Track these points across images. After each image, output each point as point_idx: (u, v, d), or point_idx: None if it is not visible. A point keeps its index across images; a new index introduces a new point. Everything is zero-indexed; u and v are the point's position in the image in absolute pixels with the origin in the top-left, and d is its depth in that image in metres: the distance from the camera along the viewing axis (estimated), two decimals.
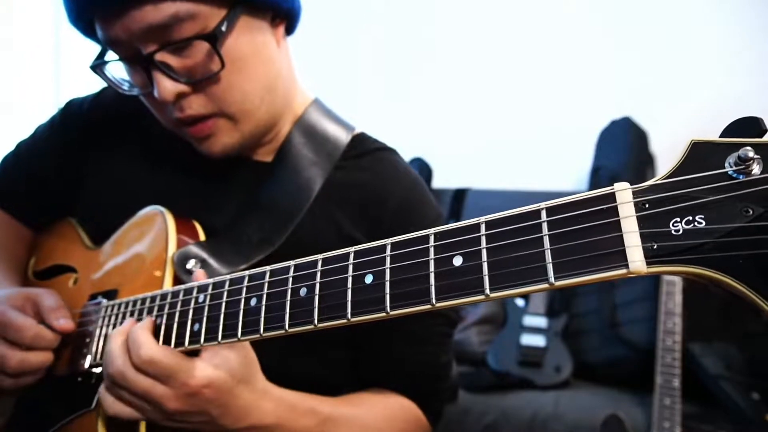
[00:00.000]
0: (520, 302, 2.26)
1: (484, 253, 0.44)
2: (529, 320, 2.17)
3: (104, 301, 0.82)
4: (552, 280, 0.40)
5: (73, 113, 1.00)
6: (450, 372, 0.91)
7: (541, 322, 2.16)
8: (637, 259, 0.38)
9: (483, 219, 0.45)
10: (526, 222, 0.43)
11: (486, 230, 0.45)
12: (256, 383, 0.69)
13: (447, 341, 0.90)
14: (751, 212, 0.35)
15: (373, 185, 0.86)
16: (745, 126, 0.38)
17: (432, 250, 0.47)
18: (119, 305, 0.77)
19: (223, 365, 0.65)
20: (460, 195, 2.73)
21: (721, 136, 0.39)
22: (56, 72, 2.87)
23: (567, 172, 2.60)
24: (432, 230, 0.48)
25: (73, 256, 0.97)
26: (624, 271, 0.38)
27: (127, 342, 0.66)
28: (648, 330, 1.93)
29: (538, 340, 2.10)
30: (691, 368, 1.80)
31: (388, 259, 0.50)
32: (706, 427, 1.67)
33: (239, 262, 0.80)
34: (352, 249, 0.53)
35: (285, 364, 0.76)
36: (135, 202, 0.88)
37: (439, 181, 2.88)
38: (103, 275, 0.89)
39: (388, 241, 0.50)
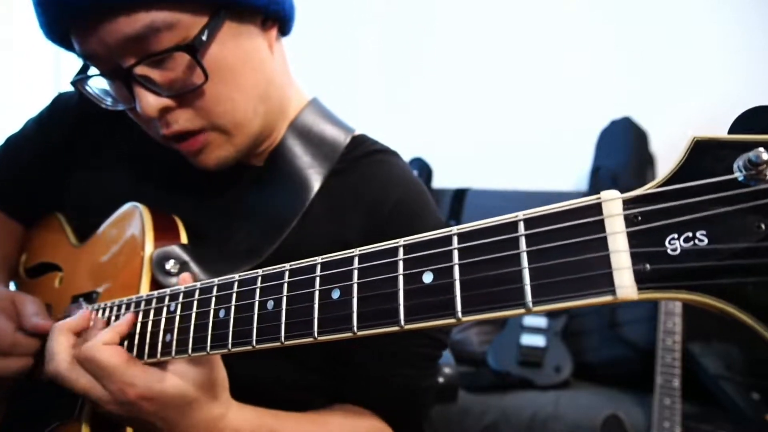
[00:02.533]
0: None
1: (456, 270, 0.40)
2: (529, 320, 2.17)
3: (84, 305, 0.80)
4: (529, 304, 0.35)
5: (62, 108, 0.98)
6: (431, 398, 0.86)
7: (541, 322, 2.16)
8: (626, 284, 0.32)
9: (455, 230, 0.41)
10: (501, 235, 0.38)
11: (458, 243, 0.40)
12: (215, 406, 0.64)
13: (430, 365, 0.84)
14: (763, 228, 0.29)
15: (370, 189, 0.82)
16: (759, 118, 0.32)
17: (401, 264, 0.43)
18: (97, 310, 0.75)
19: (177, 382, 0.61)
20: (460, 195, 2.73)
21: (729, 132, 0.32)
22: (56, 72, 2.87)
23: (567, 172, 2.60)
24: (401, 241, 0.44)
25: (59, 254, 0.95)
26: (610, 297, 0.33)
27: (69, 339, 0.66)
28: (648, 330, 1.94)
29: (538, 340, 2.11)
30: (691, 368, 1.80)
31: (355, 273, 0.45)
32: (706, 427, 1.67)
33: (225, 271, 0.75)
34: (319, 259, 0.49)
35: (258, 367, 0.73)
36: (120, 200, 0.85)
37: (439, 181, 2.88)
38: (85, 276, 0.87)
39: (357, 251, 0.46)
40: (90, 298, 0.82)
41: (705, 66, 2.36)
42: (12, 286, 1.04)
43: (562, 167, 2.61)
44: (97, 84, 0.78)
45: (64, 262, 0.94)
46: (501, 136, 2.76)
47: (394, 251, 0.44)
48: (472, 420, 1.89)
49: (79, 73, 0.77)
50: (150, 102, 0.69)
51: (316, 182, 0.81)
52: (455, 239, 0.41)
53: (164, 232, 0.79)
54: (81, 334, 0.69)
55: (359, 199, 0.81)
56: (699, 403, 1.79)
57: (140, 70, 0.69)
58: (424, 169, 2.88)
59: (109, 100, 0.78)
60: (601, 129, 2.49)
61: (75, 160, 0.96)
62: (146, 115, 0.70)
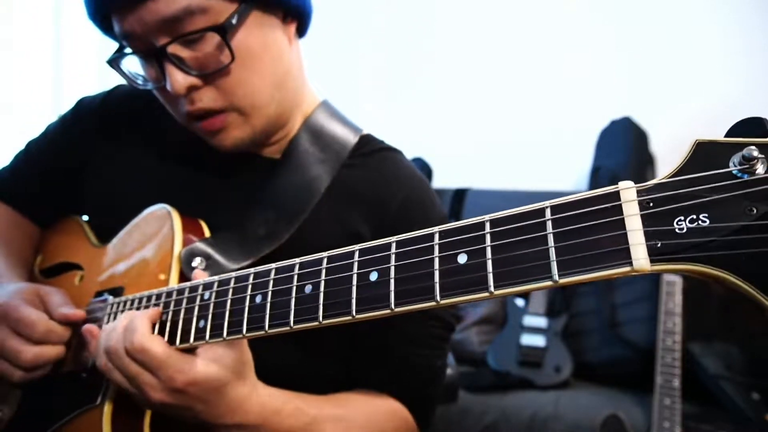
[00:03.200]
0: (520, 302, 2.26)
1: (488, 250, 0.45)
2: (529, 320, 2.17)
3: (110, 298, 0.83)
4: (556, 277, 0.41)
5: (84, 111, 1.01)
6: (443, 377, 0.91)
7: (541, 322, 2.16)
8: (641, 257, 0.38)
9: (488, 217, 0.46)
10: (530, 220, 0.44)
11: (490, 228, 0.45)
12: (246, 383, 0.69)
13: (443, 345, 0.89)
14: (755, 211, 0.36)
15: (377, 184, 0.87)
16: (750, 126, 0.38)
17: (437, 248, 0.48)
18: (125, 302, 0.78)
19: (215, 365, 0.65)
20: (460, 195, 2.73)
21: (725, 137, 0.39)
22: (56, 72, 2.87)
23: (567, 172, 2.60)
24: (437, 228, 0.48)
25: (79, 254, 0.97)
26: (628, 268, 0.39)
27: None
28: (648, 330, 1.93)
29: (538, 340, 2.10)
30: (691, 368, 1.80)
31: (392, 257, 0.50)
32: (706, 427, 1.67)
33: (245, 257, 0.81)
34: (357, 247, 0.53)
35: (279, 353, 0.76)
36: (142, 200, 0.89)
37: (439, 181, 2.88)
38: (109, 273, 0.89)
39: (393, 239, 0.51)
40: (115, 292, 0.85)
41: (705, 66, 2.36)
42: None
43: (562, 167, 2.61)
44: (130, 67, 0.84)
45: (85, 262, 0.96)
46: (501, 136, 2.76)
47: (430, 237, 0.49)
48: (472, 420, 1.89)
49: (115, 52, 0.82)
50: (179, 80, 0.75)
51: (327, 176, 0.87)
52: (488, 225, 0.46)
53: (190, 231, 0.83)
54: None
55: (368, 193, 0.87)
56: (699, 403, 1.79)
57: (172, 48, 0.75)
58: (424, 169, 2.87)
59: (139, 79, 0.83)
60: (601, 129, 2.49)
61: (95, 163, 0.99)
62: (175, 92, 0.76)
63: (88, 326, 0.75)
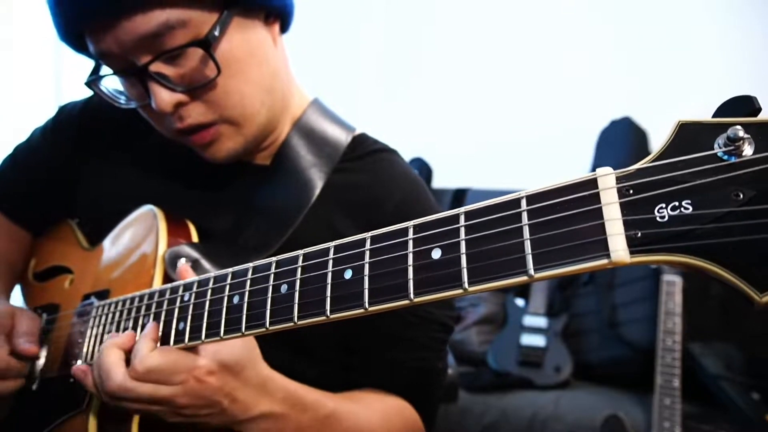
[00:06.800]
0: (520, 302, 2.27)
1: (462, 245, 0.42)
2: (529, 320, 2.17)
3: (95, 302, 0.82)
4: (531, 272, 0.38)
5: (65, 118, 1.00)
6: (444, 378, 0.90)
7: (541, 322, 2.16)
8: (619, 248, 0.36)
9: (462, 210, 0.44)
10: (505, 211, 0.41)
11: (465, 221, 0.43)
12: (261, 369, 0.67)
13: (442, 347, 0.88)
14: (741, 196, 0.33)
15: (372, 187, 0.85)
16: (738, 105, 0.36)
17: (411, 243, 0.46)
18: (109, 305, 0.77)
19: (224, 352, 0.63)
20: (460, 195, 2.73)
21: (713, 117, 0.37)
22: (57, 72, 2.87)
23: (567, 172, 2.59)
24: (411, 222, 0.47)
25: (70, 258, 0.97)
26: (605, 261, 0.36)
27: (125, 355, 0.65)
28: (648, 330, 1.93)
29: (538, 340, 2.11)
30: (691, 368, 1.79)
31: (367, 254, 0.48)
32: (706, 427, 1.67)
33: (234, 265, 0.79)
34: (332, 243, 0.51)
35: (278, 364, 0.74)
36: (131, 204, 0.88)
37: (439, 181, 2.88)
38: (97, 276, 0.89)
39: (368, 234, 0.49)
40: (101, 295, 0.84)
41: (705, 66, 2.36)
42: (17, 290, 1.06)
43: (562, 167, 2.61)
44: (110, 84, 0.81)
45: (75, 265, 0.96)
46: (501, 136, 2.76)
47: (404, 232, 0.47)
48: (472, 420, 1.89)
49: (92, 73, 0.79)
50: (164, 98, 0.72)
51: (319, 181, 0.84)
52: (462, 217, 0.44)
53: (177, 233, 0.81)
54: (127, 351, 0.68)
55: (362, 196, 0.84)
56: (699, 403, 1.79)
57: (155, 67, 0.71)
58: (424, 169, 2.88)
59: (122, 99, 0.80)
60: (601, 129, 2.49)
61: (83, 168, 0.98)
62: (161, 110, 0.73)
63: (78, 367, 0.70)
